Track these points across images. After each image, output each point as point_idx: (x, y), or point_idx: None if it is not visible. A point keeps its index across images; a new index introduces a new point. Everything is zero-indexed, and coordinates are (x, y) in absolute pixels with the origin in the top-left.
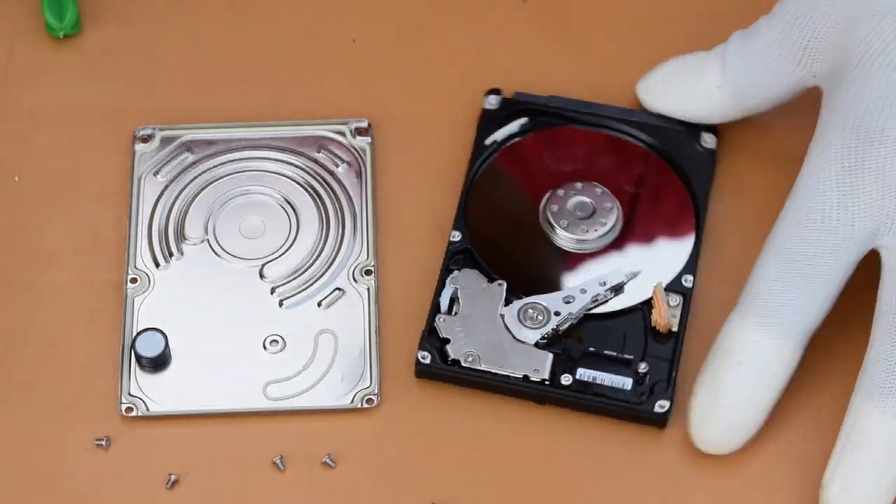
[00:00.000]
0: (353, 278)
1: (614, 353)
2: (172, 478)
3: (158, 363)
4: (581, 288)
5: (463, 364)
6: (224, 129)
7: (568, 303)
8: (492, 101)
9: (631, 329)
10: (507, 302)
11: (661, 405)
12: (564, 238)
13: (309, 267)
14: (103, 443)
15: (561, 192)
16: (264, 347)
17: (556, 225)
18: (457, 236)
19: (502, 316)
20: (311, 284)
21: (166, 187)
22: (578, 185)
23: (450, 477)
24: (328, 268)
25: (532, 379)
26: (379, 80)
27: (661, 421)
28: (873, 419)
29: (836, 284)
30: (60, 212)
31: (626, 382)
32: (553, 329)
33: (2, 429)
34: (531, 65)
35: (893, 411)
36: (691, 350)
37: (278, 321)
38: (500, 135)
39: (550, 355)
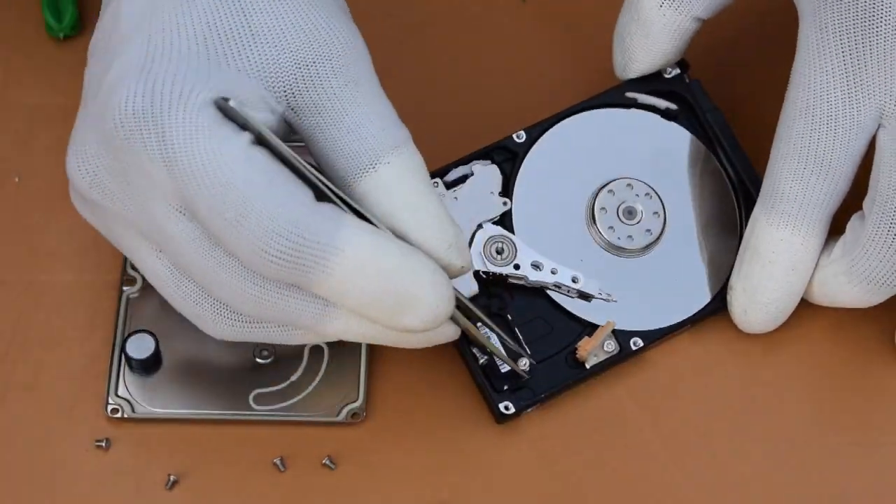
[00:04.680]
0: None
1: (521, 337)
2: (172, 478)
3: (148, 366)
4: (554, 268)
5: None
6: None
7: (535, 267)
8: (669, 71)
9: (559, 333)
10: (495, 222)
11: (507, 406)
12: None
13: None
14: (103, 444)
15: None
16: (255, 356)
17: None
18: (522, 136)
19: (479, 226)
20: None
21: None
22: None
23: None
24: None
25: None
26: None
27: (499, 417)
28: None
29: (850, 170)
30: (60, 212)
31: (505, 366)
32: (497, 274)
33: (1, 429)
34: (531, 65)
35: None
36: (586, 390)
37: None
38: (644, 99)
39: (476, 290)
